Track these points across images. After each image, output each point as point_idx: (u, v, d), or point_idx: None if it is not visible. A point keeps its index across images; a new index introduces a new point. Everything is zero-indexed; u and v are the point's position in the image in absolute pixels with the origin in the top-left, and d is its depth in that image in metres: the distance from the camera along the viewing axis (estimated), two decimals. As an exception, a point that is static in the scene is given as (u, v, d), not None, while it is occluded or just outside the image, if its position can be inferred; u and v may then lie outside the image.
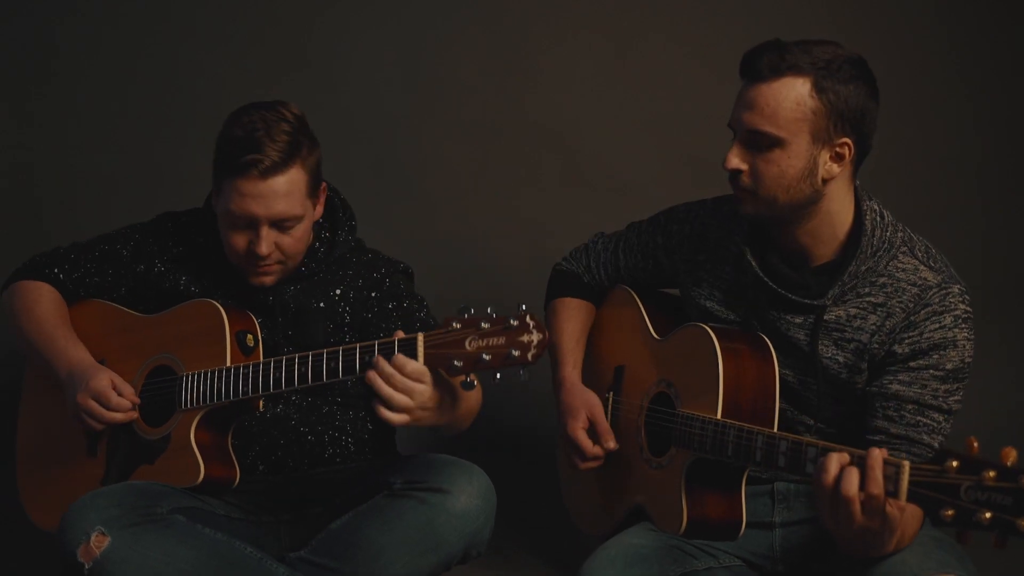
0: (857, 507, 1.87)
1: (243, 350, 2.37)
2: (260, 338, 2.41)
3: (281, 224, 2.36)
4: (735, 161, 2.17)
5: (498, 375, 2.08)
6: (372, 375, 2.12)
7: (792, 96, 2.10)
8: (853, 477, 1.87)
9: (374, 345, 2.16)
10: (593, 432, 2.45)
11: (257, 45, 3.57)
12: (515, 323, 2.06)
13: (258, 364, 2.30)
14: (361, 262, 2.55)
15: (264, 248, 2.35)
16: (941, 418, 2.14)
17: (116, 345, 2.55)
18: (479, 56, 3.65)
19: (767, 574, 2.36)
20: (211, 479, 2.36)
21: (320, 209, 2.47)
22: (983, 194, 3.77)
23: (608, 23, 3.65)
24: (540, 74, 3.65)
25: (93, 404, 2.39)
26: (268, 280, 2.43)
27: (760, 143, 2.14)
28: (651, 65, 3.65)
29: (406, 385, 2.11)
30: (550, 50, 3.65)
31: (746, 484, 2.26)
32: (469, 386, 2.10)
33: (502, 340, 2.06)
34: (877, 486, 1.85)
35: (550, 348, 2.61)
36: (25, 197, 3.56)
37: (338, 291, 2.50)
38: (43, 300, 2.57)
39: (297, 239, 2.40)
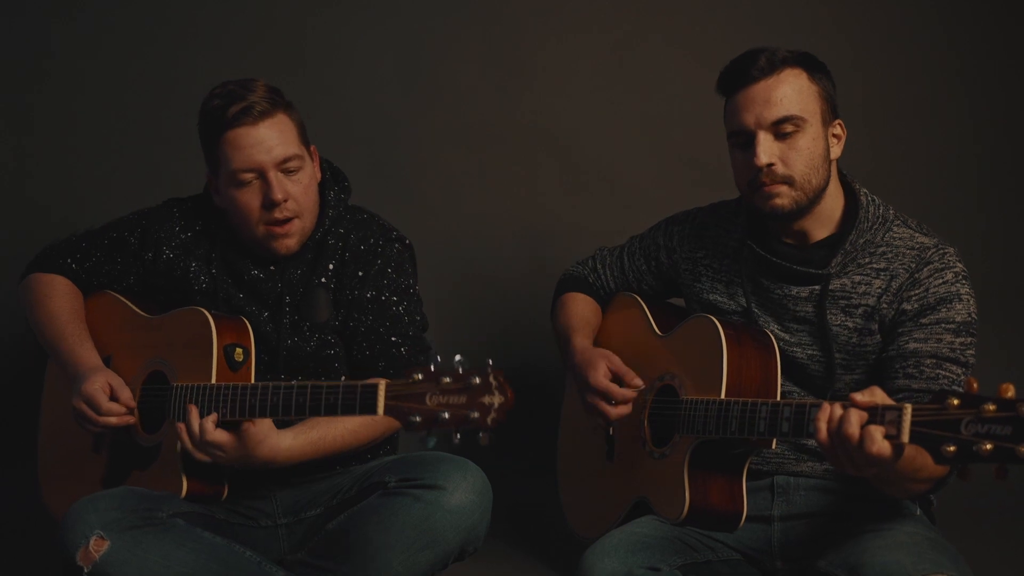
0: (857, 434, 1.86)
1: (231, 365, 2.35)
2: (251, 350, 2.39)
3: (286, 167, 2.37)
4: (765, 157, 2.23)
5: (458, 435, 1.95)
6: (180, 427, 2.29)
7: (797, 83, 2.24)
8: (853, 415, 1.87)
9: (339, 387, 2.12)
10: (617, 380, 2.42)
11: (256, 46, 3.57)
12: (478, 381, 1.91)
13: (237, 387, 2.27)
14: (354, 221, 2.52)
15: (278, 192, 2.35)
16: (959, 371, 2.19)
17: (122, 342, 2.54)
18: (478, 57, 3.64)
19: (765, 569, 2.38)
20: (194, 495, 2.36)
21: (318, 171, 2.48)
22: (983, 194, 3.76)
23: (607, 24, 3.64)
24: (539, 75, 3.65)
25: (84, 408, 2.39)
26: (291, 242, 2.42)
27: (785, 130, 2.22)
28: (649, 66, 3.64)
29: (207, 451, 2.28)
30: (549, 51, 3.65)
31: (747, 478, 2.29)
32: (427, 442, 1.96)
33: (463, 399, 1.92)
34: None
35: (558, 332, 2.62)
36: (25, 197, 3.56)
37: (331, 266, 2.48)
38: (55, 294, 2.57)
39: (305, 187, 2.40)
